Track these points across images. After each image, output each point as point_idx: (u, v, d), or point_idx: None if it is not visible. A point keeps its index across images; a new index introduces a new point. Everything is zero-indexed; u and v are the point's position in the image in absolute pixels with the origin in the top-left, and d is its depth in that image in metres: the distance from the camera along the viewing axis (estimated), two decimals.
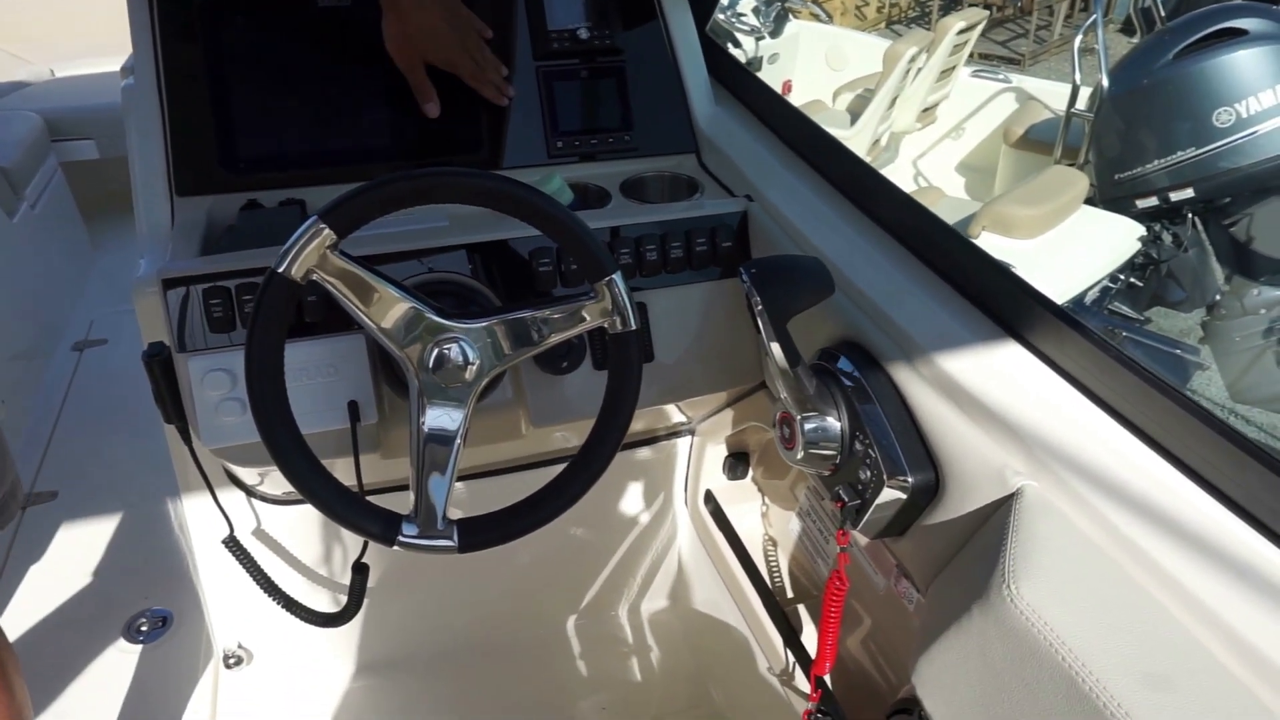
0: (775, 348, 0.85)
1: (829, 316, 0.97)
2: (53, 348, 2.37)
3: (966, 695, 0.71)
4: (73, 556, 1.76)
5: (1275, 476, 0.62)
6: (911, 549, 0.90)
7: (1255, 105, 3.07)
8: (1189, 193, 3.32)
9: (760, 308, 0.83)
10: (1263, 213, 3.25)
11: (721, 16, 4.17)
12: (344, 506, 0.87)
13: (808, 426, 0.90)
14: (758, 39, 4.24)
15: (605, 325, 0.90)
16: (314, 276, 0.82)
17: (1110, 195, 3.48)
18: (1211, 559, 0.63)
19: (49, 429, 2.10)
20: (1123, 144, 3.40)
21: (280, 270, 0.81)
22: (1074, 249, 3.18)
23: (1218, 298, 3.55)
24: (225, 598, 1.38)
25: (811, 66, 4.76)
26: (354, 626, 1.46)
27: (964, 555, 0.79)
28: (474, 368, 0.88)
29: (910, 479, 0.84)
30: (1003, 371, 0.80)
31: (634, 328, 0.90)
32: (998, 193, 3.80)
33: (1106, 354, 0.74)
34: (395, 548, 0.89)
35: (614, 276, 0.88)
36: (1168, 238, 3.49)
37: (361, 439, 1.03)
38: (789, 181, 1.15)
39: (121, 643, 1.60)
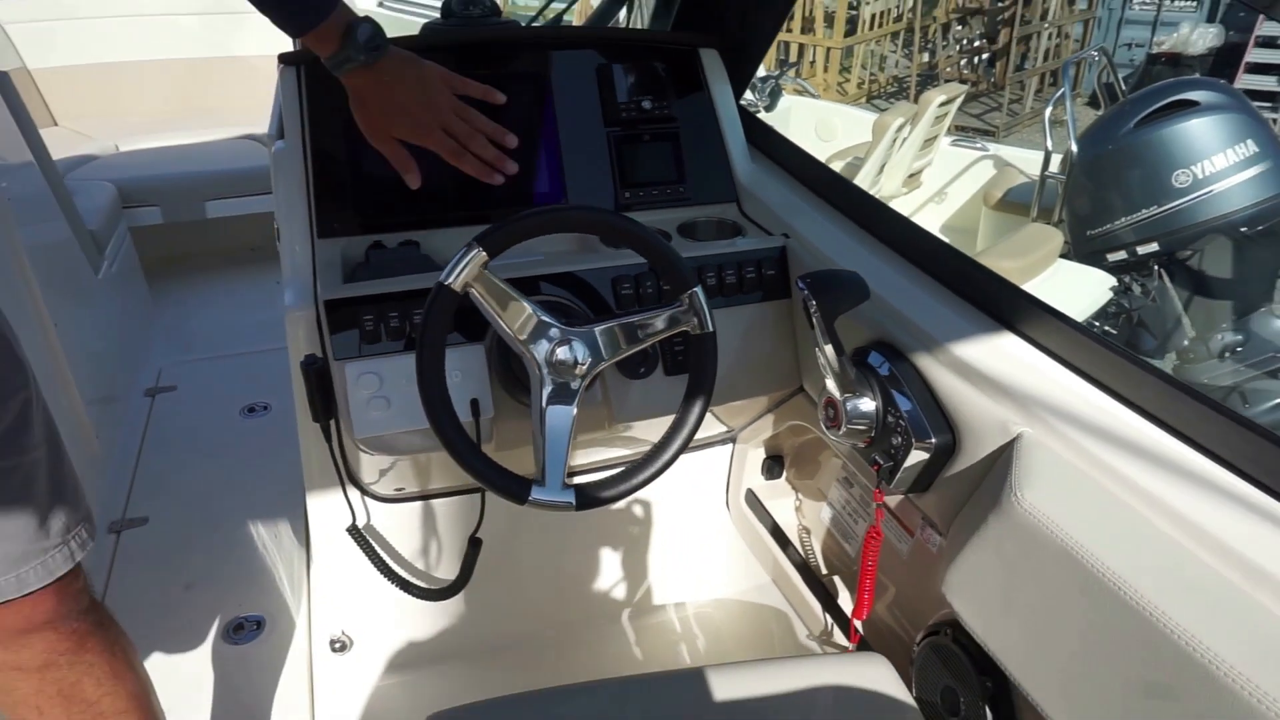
0: (827, 345, 1.09)
1: (861, 321, 1.22)
2: (128, 393, 2.58)
3: (988, 589, 0.94)
4: (168, 573, 1.95)
5: (1206, 407, 0.87)
6: (935, 500, 1.13)
7: (1210, 167, 3.41)
8: (1154, 246, 3.63)
9: (815, 309, 1.08)
10: (1220, 264, 3.56)
11: None
12: (489, 471, 1.09)
13: (849, 406, 1.14)
14: (754, 113, 4.60)
15: (689, 329, 1.14)
16: (470, 289, 1.06)
17: (1083, 250, 3.79)
18: (1161, 470, 0.87)
19: (133, 464, 2.30)
20: (1092, 203, 3.73)
21: (446, 283, 1.05)
22: (1053, 297, 3.46)
23: (1185, 343, 3.84)
24: (332, 588, 1.58)
25: (803, 137, 5.12)
26: (440, 616, 1.65)
27: (979, 493, 1.02)
28: (585, 365, 1.12)
29: (933, 439, 1.08)
30: (998, 350, 1.05)
31: (711, 330, 1.14)
32: (980, 250, 4.11)
33: (1073, 329, 0.99)
34: (524, 505, 1.10)
35: (696, 289, 1.12)
36: (1137, 288, 3.79)
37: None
38: (816, 219, 1.41)
39: (222, 645, 1.78)
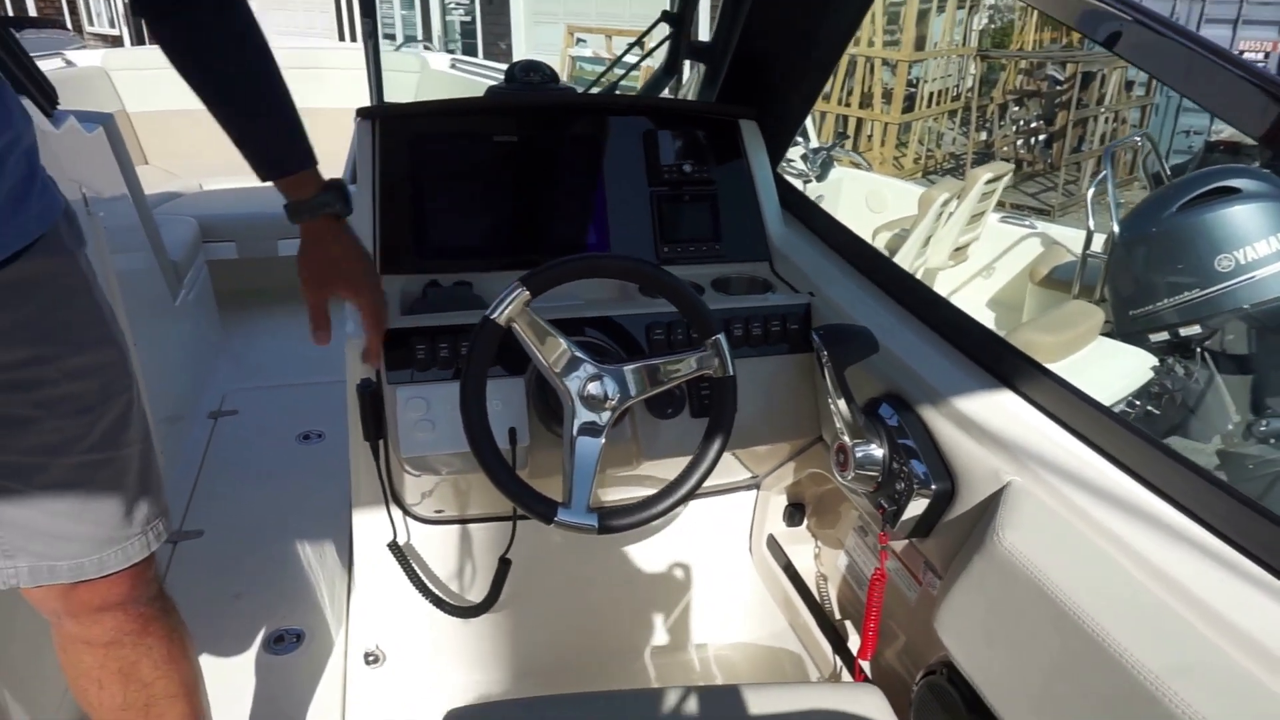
0: (837, 393, 1.18)
1: (875, 375, 1.30)
2: (193, 415, 2.75)
3: (974, 626, 1.00)
4: (218, 584, 2.06)
5: (1178, 464, 0.94)
6: (935, 545, 1.20)
7: (1252, 253, 3.43)
8: (1196, 329, 3.65)
9: (826, 358, 1.17)
10: (1264, 348, 3.55)
11: None
12: (520, 491, 1.19)
13: (858, 452, 1.22)
14: (805, 182, 4.74)
15: (711, 372, 1.24)
16: (513, 324, 1.18)
17: (1125, 329, 3.81)
18: (1134, 519, 0.93)
19: (193, 480, 2.44)
20: (1135, 284, 3.76)
21: (492, 317, 1.16)
22: (1090, 374, 3.49)
23: (1229, 427, 3.81)
24: (370, 603, 1.68)
25: (853, 208, 5.24)
26: (469, 637, 1.73)
27: (972, 537, 1.09)
28: (613, 400, 1.22)
29: (933, 486, 1.15)
30: (996, 405, 1.13)
31: (731, 374, 1.24)
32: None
33: (1064, 388, 1.07)
34: (550, 524, 1.20)
35: (719, 336, 1.23)
36: (1180, 370, 3.79)
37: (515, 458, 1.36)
38: (841, 281, 1.51)
39: (264, 655, 1.88)
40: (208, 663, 1.83)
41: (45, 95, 2.05)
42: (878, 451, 1.22)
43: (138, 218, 2.61)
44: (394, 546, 1.53)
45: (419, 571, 1.58)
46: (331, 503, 2.23)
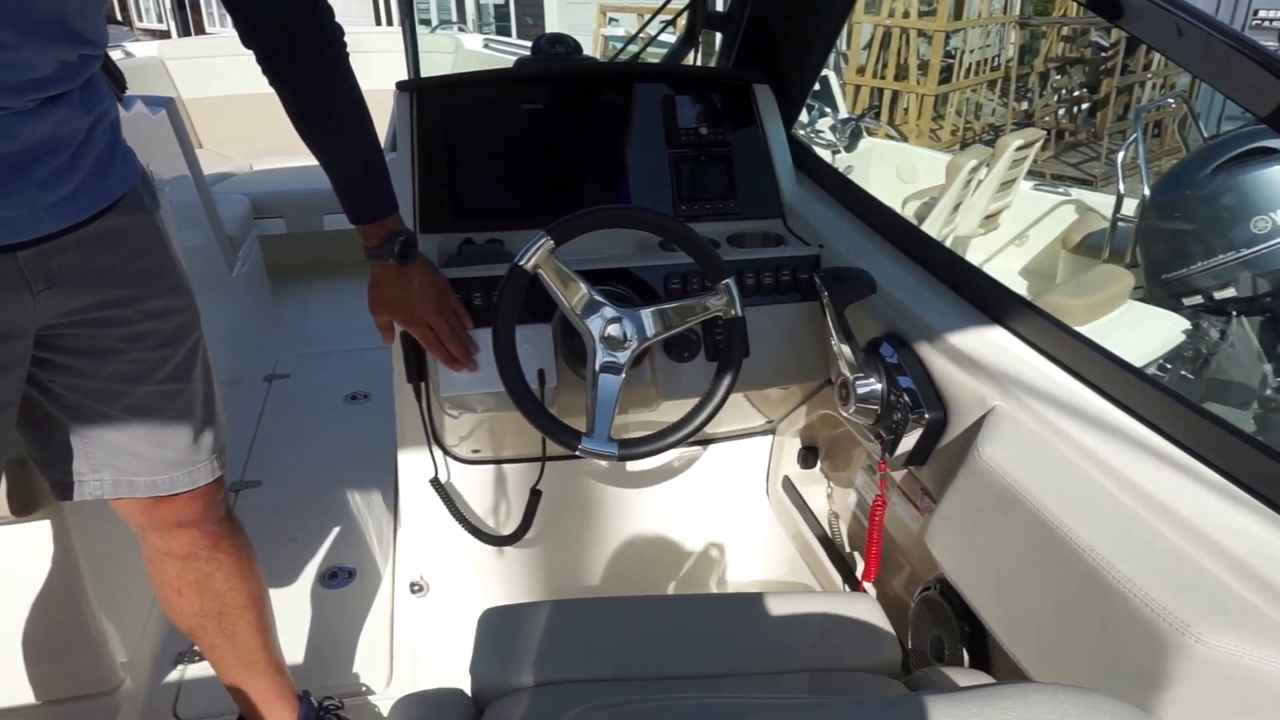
0: (837, 329, 1.28)
1: (876, 316, 1.40)
2: (250, 377, 2.92)
3: (960, 537, 1.10)
4: (276, 528, 2.23)
5: (1152, 388, 1.02)
6: (931, 473, 1.29)
7: None
8: (1231, 291, 3.64)
9: (827, 299, 1.27)
10: None
11: (801, 133, 4.74)
12: (548, 421, 1.31)
13: (859, 387, 1.32)
14: (834, 153, 4.79)
15: (721, 314, 1.34)
16: (539, 270, 1.29)
17: (1158, 293, 3.81)
18: (1108, 436, 1.02)
19: (251, 436, 2.62)
20: (1168, 247, 3.75)
21: (520, 264, 1.28)
22: (1118, 337, 3.51)
23: (1267, 392, 3.79)
24: (414, 537, 1.82)
25: (883, 178, 5.27)
26: (504, 566, 1.87)
27: (959, 460, 1.18)
28: (632, 341, 1.33)
29: (927, 416, 1.25)
30: (984, 338, 1.22)
31: (740, 315, 1.34)
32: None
33: (1047, 321, 1.15)
34: (575, 451, 1.31)
35: (729, 280, 1.33)
36: (1214, 334, 3.78)
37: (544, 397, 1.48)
38: (849, 233, 1.60)
39: (319, 589, 2.04)
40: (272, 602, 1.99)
41: (116, 81, 2.21)
42: (877, 386, 1.32)
43: (198, 195, 2.78)
44: (435, 482, 1.67)
45: (458, 506, 1.71)
46: (378, 455, 2.38)
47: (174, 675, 1.76)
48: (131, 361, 1.15)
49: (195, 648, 1.83)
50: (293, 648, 1.83)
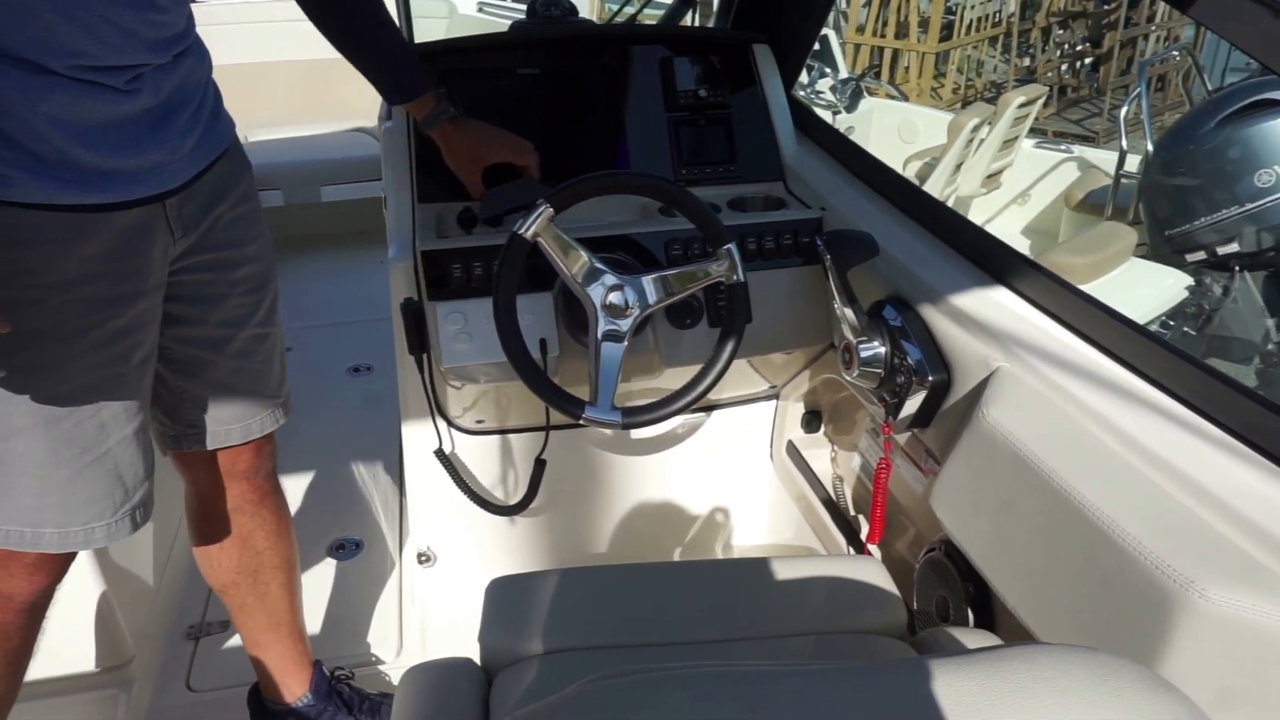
0: (840, 292, 1.27)
1: (879, 279, 1.39)
2: None
3: (963, 498, 1.10)
4: (288, 499, 2.24)
5: (1155, 344, 1.02)
6: (935, 435, 1.29)
7: None
8: (1234, 247, 3.61)
9: (829, 262, 1.26)
10: None
11: (801, 94, 4.68)
12: (552, 392, 1.30)
13: (863, 351, 1.32)
14: (834, 114, 4.74)
15: (723, 280, 1.34)
16: (539, 239, 1.28)
17: (1161, 250, 3.79)
18: (1111, 394, 1.02)
19: None
20: (1171, 203, 3.72)
21: (520, 232, 1.27)
22: (1121, 296, 3.49)
23: (1270, 347, 3.79)
24: (421, 508, 1.83)
25: (884, 139, 5.22)
26: (510, 536, 1.88)
27: (964, 421, 1.18)
28: (634, 308, 1.32)
29: (931, 378, 1.24)
30: (988, 299, 1.21)
31: (743, 280, 1.33)
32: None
33: (1050, 279, 1.15)
34: (578, 420, 1.31)
35: (730, 245, 1.32)
36: (1217, 289, 3.76)
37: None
38: (851, 195, 1.58)
39: (327, 560, 2.06)
40: None
41: None
42: (880, 349, 1.32)
43: None
44: (440, 454, 1.67)
45: (463, 477, 1.71)
46: (382, 426, 2.39)
47: (186, 648, 1.78)
48: (236, 305, 1.22)
49: (207, 620, 1.86)
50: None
